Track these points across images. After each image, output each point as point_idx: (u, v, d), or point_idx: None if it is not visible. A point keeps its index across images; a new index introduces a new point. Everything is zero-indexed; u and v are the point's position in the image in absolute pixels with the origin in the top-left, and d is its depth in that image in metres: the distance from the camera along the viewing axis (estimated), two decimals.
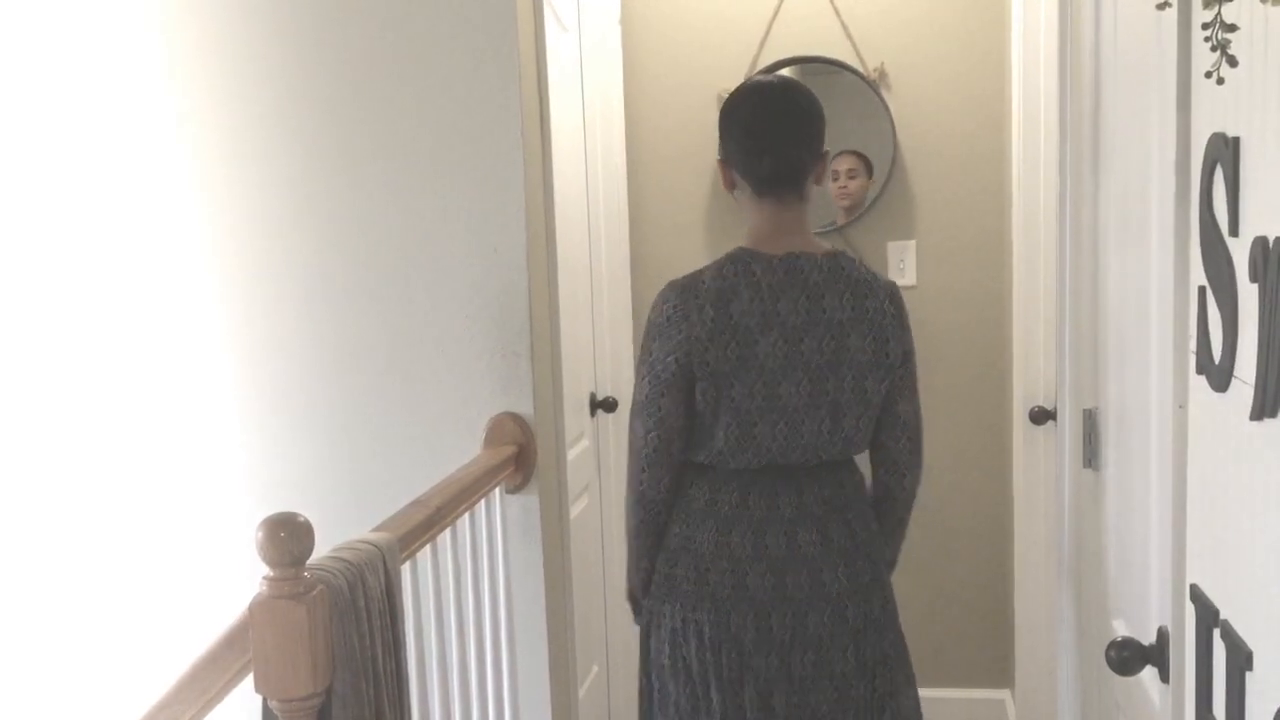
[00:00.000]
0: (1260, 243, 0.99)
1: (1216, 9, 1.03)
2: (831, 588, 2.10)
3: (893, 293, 2.16)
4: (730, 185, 2.19)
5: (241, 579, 2.18)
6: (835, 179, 3.64)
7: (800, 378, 2.06)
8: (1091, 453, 2.11)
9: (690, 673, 2.12)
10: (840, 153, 3.64)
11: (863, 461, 2.29)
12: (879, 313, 2.11)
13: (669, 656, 2.13)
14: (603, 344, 3.50)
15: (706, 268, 2.12)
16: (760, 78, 2.22)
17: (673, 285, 2.11)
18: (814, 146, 2.14)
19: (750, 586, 2.09)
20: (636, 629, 2.30)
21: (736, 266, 2.08)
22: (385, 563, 1.68)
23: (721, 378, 2.04)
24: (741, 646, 2.09)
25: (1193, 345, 1.23)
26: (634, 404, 2.14)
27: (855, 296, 2.09)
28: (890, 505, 2.26)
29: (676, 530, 2.15)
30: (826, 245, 2.17)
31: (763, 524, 2.10)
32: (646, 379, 2.09)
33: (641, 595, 2.23)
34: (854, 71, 3.58)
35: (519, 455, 2.35)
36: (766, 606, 2.09)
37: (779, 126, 2.12)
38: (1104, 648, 1.62)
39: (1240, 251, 1.06)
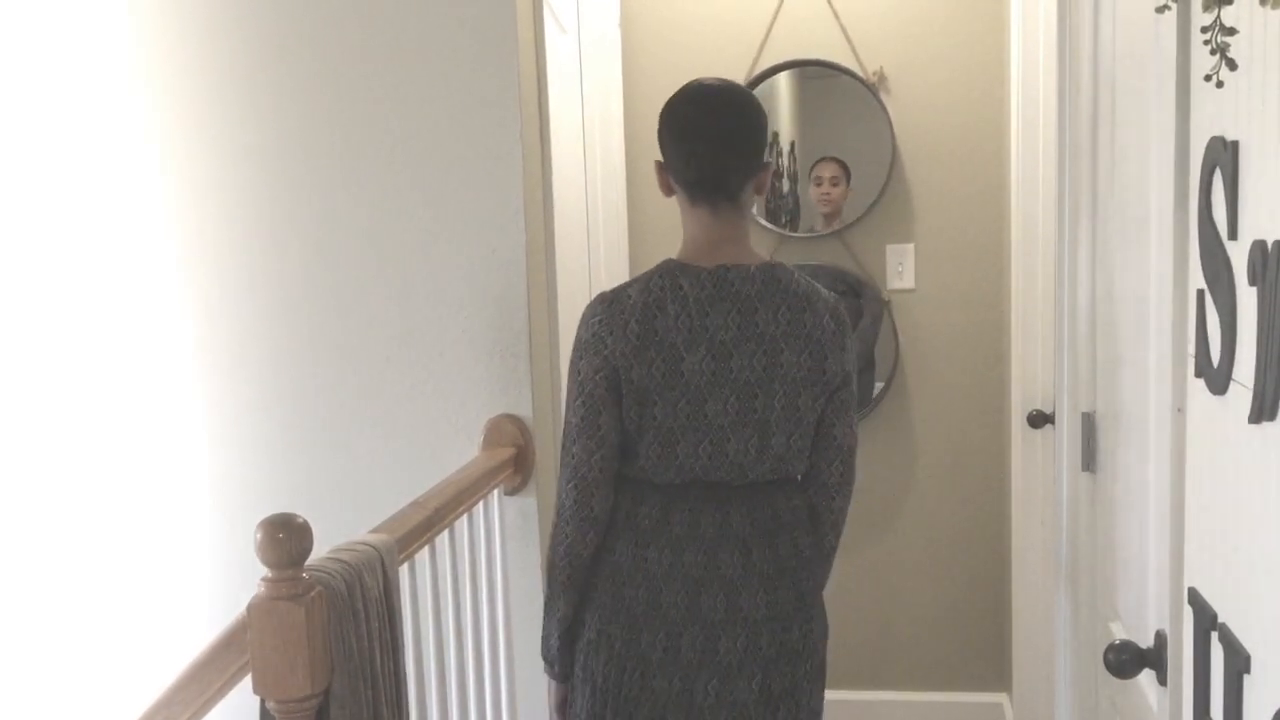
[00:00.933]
0: (1259, 246, 0.99)
1: (1216, 12, 1.03)
2: (750, 612, 2.00)
3: (835, 309, 2.06)
4: (668, 190, 2.10)
5: (240, 580, 2.18)
6: (819, 185, 3.64)
7: (727, 395, 1.97)
8: (1090, 456, 2.11)
9: (594, 687, 2.03)
10: (823, 159, 3.64)
11: None
12: (817, 328, 2.01)
13: (581, 666, 2.05)
14: None
15: (634, 281, 2.03)
16: (702, 79, 2.10)
17: (601, 298, 2.02)
18: (745, 152, 2.03)
19: (663, 604, 2.00)
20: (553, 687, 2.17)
21: (664, 280, 1.99)
22: (383, 564, 1.68)
23: (645, 394, 1.96)
24: (647, 665, 2.01)
25: (1191, 348, 1.23)
26: (570, 426, 2.02)
27: (791, 310, 2.00)
28: (818, 527, 2.13)
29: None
30: (762, 256, 2.07)
31: (681, 541, 2.00)
32: (579, 399, 1.99)
33: (565, 647, 2.09)
34: (853, 75, 3.58)
35: (517, 457, 2.35)
36: (678, 626, 2.00)
37: (710, 130, 2.02)
38: (1102, 651, 1.62)
39: (1239, 255, 1.06)
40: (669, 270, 2.01)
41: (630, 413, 1.98)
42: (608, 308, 2.00)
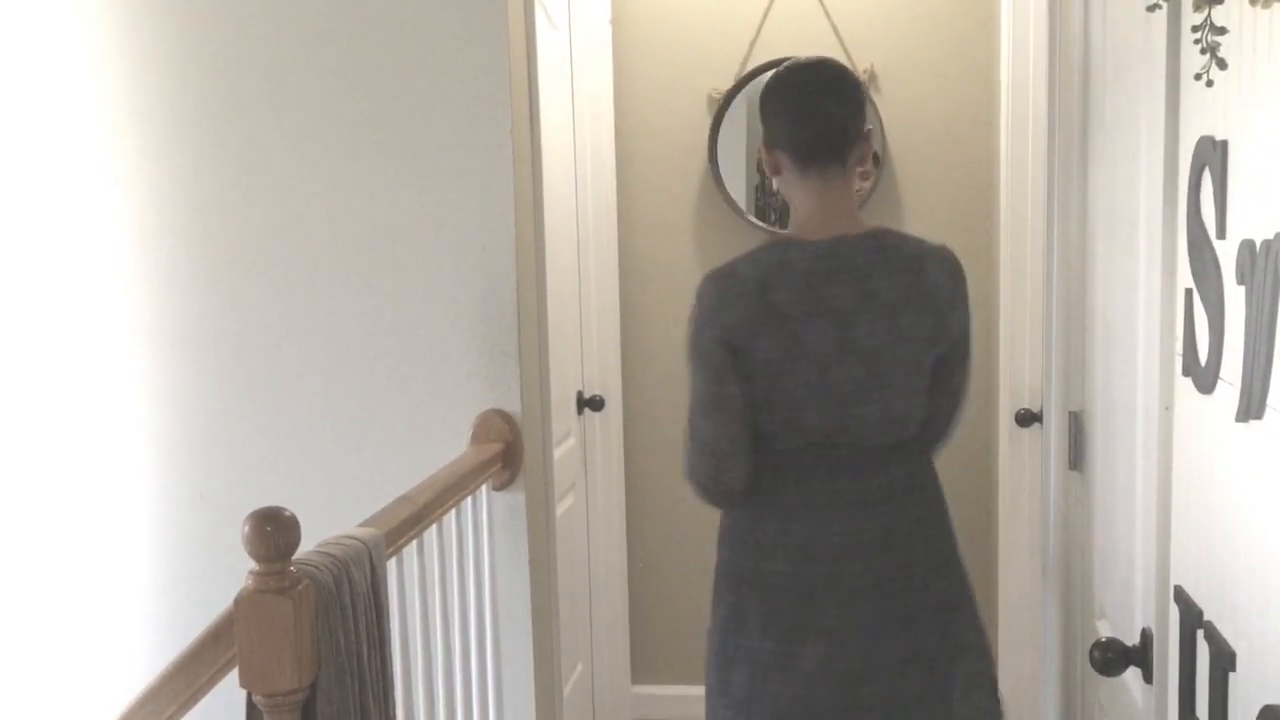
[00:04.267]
0: (1247, 246, 0.99)
1: (1206, 11, 1.03)
2: (885, 573, 2.02)
3: (946, 264, 2.10)
4: (775, 170, 2.13)
5: (230, 575, 2.17)
6: (864, 178, 3.61)
7: (853, 362, 2.00)
8: (1077, 455, 2.12)
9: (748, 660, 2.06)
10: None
11: None
12: (934, 288, 2.06)
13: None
14: (590, 342, 3.49)
15: (741, 257, 2.06)
16: (797, 58, 2.20)
17: (712, 274, 2.05)
18: (857, 114, 2.08)
19: (805, 575, 2.01)
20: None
21: (774, 254, 2.04)
22: (371, 558, 1.68)
23: (770, 366, 1.98)
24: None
25: (1179, 347, 1.23)
26: (695, 403, 2.03)
27: (908, 274, 2.04)
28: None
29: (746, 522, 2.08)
30: (870, 224, 2.12)
31: (826, 510, 2.03)
32: (705, 374, 2.01)
33: None
34: None
35: (506, 453, 2.35)
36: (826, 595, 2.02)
37: (823, 90, 2.07)
38: (1087, 648, 1.62)
39: (1227, 254, 1.06)
40: (778, 245, 2.08)
41: (759, 384, 2.00)
42: (722, 282, 2.03)
